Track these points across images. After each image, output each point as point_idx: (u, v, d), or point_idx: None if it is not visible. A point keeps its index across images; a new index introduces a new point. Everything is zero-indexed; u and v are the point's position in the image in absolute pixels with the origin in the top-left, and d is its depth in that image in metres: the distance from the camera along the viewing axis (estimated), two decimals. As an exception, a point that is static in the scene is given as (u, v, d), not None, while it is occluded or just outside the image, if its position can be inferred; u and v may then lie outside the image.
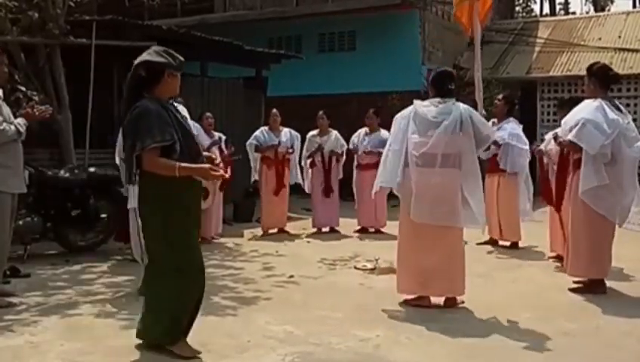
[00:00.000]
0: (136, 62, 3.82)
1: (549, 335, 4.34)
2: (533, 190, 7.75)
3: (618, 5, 42.75)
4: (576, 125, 5.28)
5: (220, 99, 11.03)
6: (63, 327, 4.52)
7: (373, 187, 5.41)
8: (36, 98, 7.85)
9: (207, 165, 3.88)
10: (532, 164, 7.77)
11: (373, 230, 9.09)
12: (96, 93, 9.01)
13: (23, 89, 8.16)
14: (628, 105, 13.80)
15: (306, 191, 9.42)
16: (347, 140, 9.33)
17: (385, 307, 5.05)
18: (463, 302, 5.08)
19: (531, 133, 14.35)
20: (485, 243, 7.69)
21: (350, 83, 14.34)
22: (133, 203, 5.54)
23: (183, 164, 3.70)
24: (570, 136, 5.31)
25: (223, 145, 8.59)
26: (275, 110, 9.23)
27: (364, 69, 14.41)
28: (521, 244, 7.73)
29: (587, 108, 5.37)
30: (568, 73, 14.73)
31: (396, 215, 7.44)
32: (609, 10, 33.40)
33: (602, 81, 5.52)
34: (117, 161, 6.78)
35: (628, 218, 5.51)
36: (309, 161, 9.21)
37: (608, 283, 5.63)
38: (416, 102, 5.17)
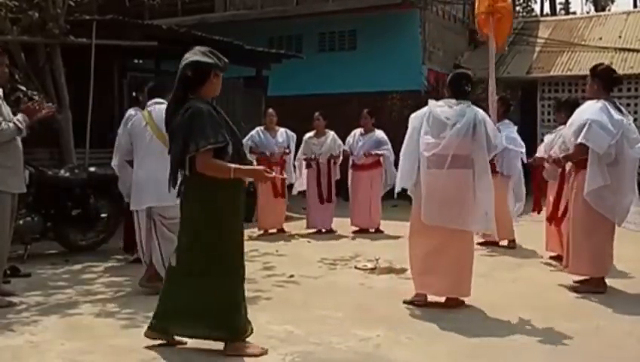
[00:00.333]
0: (184, 62, 3.81)
1: (549, 335, 4.34)
2: (525, 191, 7.75)
3: (619, 5, 42.76)
4: (582, 127, 5.29)
5: (220, 98, 10.96)
6: (63, 327, 4.52)
7: (396, 188, 5.37)
8: (36, 97, 7.84)
9: (261, 167, 3.93)
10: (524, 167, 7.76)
11: (373, 230, 9.08)
12: (96, 92, 9.01)
13: (24, 88, 8.16)
14: (628, 105, 13.81)
15: (293, 191, 9.42)
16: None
17: (385, 307, 5.05)
18: (463, 302, 5.09)
19: (531, 133, 14.39)
20: (485, 243, 7.68)
21: (350, 82, 14.34)
22: (137, 204, 5.49)
23: (238, 166, 3.74)
24: (579, 139, 5.30)
25: None
26: (270, 110, 9.21)
27: (364, 68, 14.41)
28: (521, 245, 7.73)
29: (591, 110, 5.37)
30: (569, 73, 14.73)
31: (395, 215, 7.44)
32: (609, 10, 33.42)
33: (605, 82, 5.54)
34: (114, 163, 6.78)
35: (627, 218, 5.53)
36: (304, 163, 9.16)
37: (609, 283, 5.64)
38: (431, 103, 5.16)
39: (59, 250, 7.39)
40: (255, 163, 8.97)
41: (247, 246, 7.96)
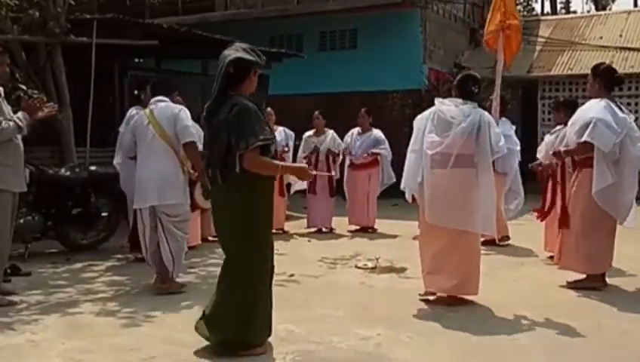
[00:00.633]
0: (227, 58, 3.79)
1: (550, 334, 4.35)
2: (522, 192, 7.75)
3: (619, 4, 42.66)
4: (587, 125, 5.29)
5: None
6: (63, 326, 4.52)
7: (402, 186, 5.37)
8: (37, 97, 7.83)
9: (305, 165, 3.91)
10: (522, 164, 7.76)
11: (370, 229, 9.08)
12: (97, 91, 9.01)
13: (24, 88, 8.15)
14: (629, 104, 13.80)
15: (291, 190, 9.42)
16: (347, 139, 9.32)
17: (386, 306, 5.05)
18: (464, 301, 5.09)
19: (532, 133, 14.40)
20: (485, 242, 7.67)
21: (351, 81, 14.33)
22: (141, 203, 5.48)
23: (285, 163, 3.76)
24: (584, 137, 5.30)
25: None
26: (269, 109, 9.21)
27: (365, 67, 14.40)
28: (522, 244, 7.74)
29: (595, 108, 5.38)
30: (569, 72, 14.72)
31: (395, 214, 7.44)
32: (610, 9, 33.34)
33: (607, 81, 5.55)
34: (116, 161, 6.78)
35: (629, 216, 5.54)
36: (304, 161, 9.15)
37: (610, 281, 5.65)
38: (438, 101, 5.18)
39: (59, 249, 7.38)
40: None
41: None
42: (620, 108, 5.55)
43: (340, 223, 9.16)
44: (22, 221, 6.58)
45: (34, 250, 7.00)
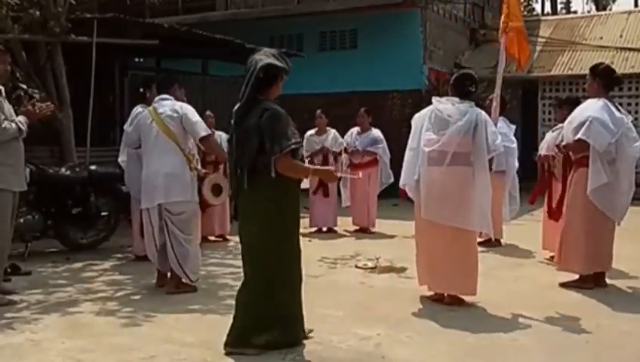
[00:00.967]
0: (258, 63, 3.84)
1: (549, 334, 4.35)
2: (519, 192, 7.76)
3: (620, 4, 42.69)
4: (583, 123, 5.30)
5: (221, 97, 11.00)
6: (63, 325, 4.53)
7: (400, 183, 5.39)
8: (37, 96, 7.84)
9: (331, 167, 3.98)
10: (522, 165, 7.76)
11: (372, 229, 9.09)
12: (97, 91, 9.01)
13: (24, 87, 8.16)
14: (629, 104, 13.80)
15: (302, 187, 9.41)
16: (347, 139, 9.32)
17: (386, 305, 5.05)
18: (464, 301, 5.10)
19: (532, 133, 14.40)
20: (484, 242, 7.68)
21: (351, 81, 14.33)
22: (148, 202, 5.44)
23: (315, 166, 3.86)
24: (579, 135, 5.32)
25: (225, 143, 8.52)
26: None
27: (365, 67, 14.40)
28: (521, 244, 7.74)
29: (593, 107, 5.39)
30: (570, 72, 14.72)
31: (395, 214, 7.43)
32: (610, 9, 33.39)
33: (606, 81, 5.56)
34: (120, 160, 6.77)
35: (625, 216, 5.56)
36: (307, 160, 9.17)
37: (609, 282, 5.65)
38: (435, 99, 5.20)
39: (59, 249, 7.39)
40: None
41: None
42: (618, 109, 5.56)
43: (341, 223, 9.16)
44: (22, 220, 6.58)
45: (34, 250, 7.00)
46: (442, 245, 4.99)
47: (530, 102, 15.16)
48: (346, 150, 9.18)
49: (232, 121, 3.97)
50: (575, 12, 36.46)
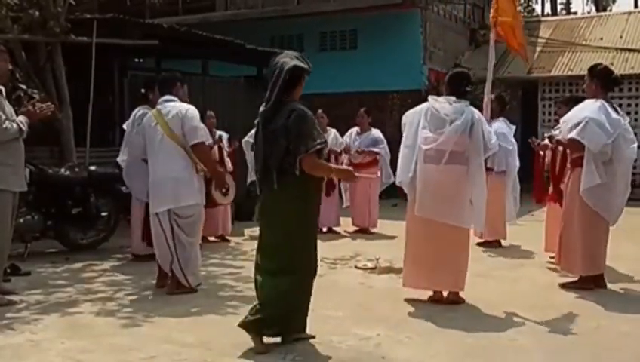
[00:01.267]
0: (284, 66, 3.90)
1: (549, 335, 4.35)
2: (519, 192, 7.75)
3: (620, 5, 42.73)
4: (578, 123, 5.30)
5: (221, 97, 11.01)
6: (63, 325, 4.52)
7: (396, 181, 5.42)
8: (37, 96, 7.84)
9: (350, 168, 4.02)
10: (523, 166, 7.75)
11: (373, 229, 9.08)
12: (96, 91, 9.00)
13: (24, 87, 8.16)
14: (629, 105, 13.79)
15: None
16: (347, 139, 9.31)
17: (385, 306, 5.06)
18: (463, 300, 5.11)
19: (532, 133, 14.35)
20: (484, 243, 7.69)
21: (351, 82, 14.33)
22: (158, 207, 5.37)
23: (337, 166, 3.96)
24: (572, 134, 5.33)
25: (226, 143, 8.53)
26: None
27: (365, 67, 14.41)
28: (521, 245, 7.74)
29: (589, 108, 5.39)
30: (570, 73, 14.72)
31: (394, 214, 7.43)
32: (610, 10, 33.38)
33: (604, 82, 5.56)
34: (120, 159, 6.76)
35: (619, 217, 5.57)
36: None
37: (609, 282, 5.65)
38: (431, 98, 5.20)
39: (59, 249, 7.38)
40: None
41: (248, 245, 8.01)
42: (616, 110, 5.56)
43: (341, 224, 9.16)
44: (21, 220, 6.58)
45: (33, 250, 7.00)
46: (434, 242, 5.01)
47: (530, 103, 15.17)
48: (345, 150, 9.18)
49: (257, 123, 4.04)
50: (575, 13, 36.44)
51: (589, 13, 34.23)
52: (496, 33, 7.32)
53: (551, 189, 6.60)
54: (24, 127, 5.02)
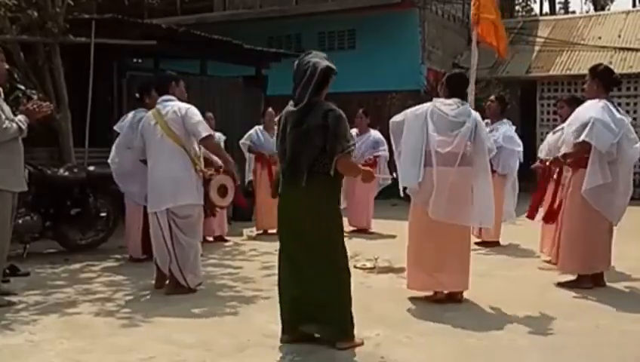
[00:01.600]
0: (317, 66, 3.95)
1: (549, 334, 4.35)
2: (518, 192, 7.77)
3: (618, 4, 42.78)
4: (585, 125, 5.30)
5: (219, 98, 11.00)
6: (62, 326, 4.52)
7: (400, 186, 5.37)
8: (35, 97, 7.83)
9: (370, 168, 4.28)
10: (521, 166, 7.76)
11: (371, 229, 9.08)
12: (95, 92, 9.00)
13: (22, 88, 8.15)
14: (628, 104, 13.81)
15: None
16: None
17: (385, 306, 5.05)
18: (463, 300, 5.12)
19: (531, 133, 14.40)
20: (483, 243, 7.69)
21: (350, 82, 14.24)
22: (156, 206, 5.37)
23: (363, 167, 4.32)
24: (582, 137, 5.32)
25: (222, 145, 8.52)
26: (270, 109, 9.18)
27: (363, 67, 14.39)
28: (520, 245, 7.74)
29: (594, 108, 5.39)
30: (568, 72, 14.74)
31: (394, 214, 7.41)
32: (609, 9, 33.40)
33: (605, 82, 5.57)
34: (110, 160, 6.74)
35: (622, 217, 5.57)
36: None
37: (609, 282, 5.66)
38: (436, 100, 5.18)
39: (58, 249, 7.38)
40: (252, 162, 9.08)
41: (247, 245, 8.01)
42: (617, 109, 5.56)
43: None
44: (20, 221, 6.56)
45: (32, 251, 6.99)
46: (438, 243, 5.00)
47: (528, 103, 15.18)
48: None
49: (283, 123, 4.05)
50: (573, 12, 36.49)
51: (587, 12, 34.26)
52: (477, 34, 7.36)
53: (545, 208, 6.58)
54: (24, 126, 5.00)
